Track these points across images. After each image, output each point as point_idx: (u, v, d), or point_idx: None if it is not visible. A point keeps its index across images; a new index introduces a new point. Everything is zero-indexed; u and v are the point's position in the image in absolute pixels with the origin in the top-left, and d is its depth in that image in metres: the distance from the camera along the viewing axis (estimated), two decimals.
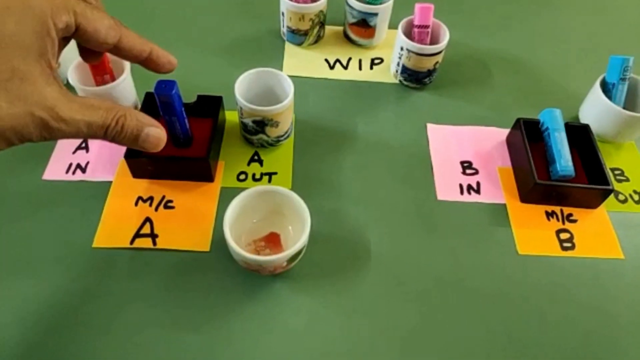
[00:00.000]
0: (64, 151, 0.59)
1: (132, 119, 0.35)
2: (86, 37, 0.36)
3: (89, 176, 0.57)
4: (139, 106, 0.61)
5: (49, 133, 0.32)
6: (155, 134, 0.37)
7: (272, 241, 0.52)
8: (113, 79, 0.57)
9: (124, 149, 0.55)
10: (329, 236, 0.54)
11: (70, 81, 0.55)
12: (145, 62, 0.41)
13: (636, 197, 0.61)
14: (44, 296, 0.48)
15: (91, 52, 0.40)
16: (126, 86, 0.58)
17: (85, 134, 0.34)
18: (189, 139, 0.57)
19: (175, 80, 0.48)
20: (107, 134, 0.34)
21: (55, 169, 0.58)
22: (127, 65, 0.57)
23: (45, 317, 0.47)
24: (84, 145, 0.60)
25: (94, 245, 0.52)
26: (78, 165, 0.58)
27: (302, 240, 0.46)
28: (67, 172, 0.57)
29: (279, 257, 0.45)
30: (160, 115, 0.52)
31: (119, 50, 0.39)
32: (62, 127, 0.32)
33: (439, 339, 0.48)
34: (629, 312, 0.51)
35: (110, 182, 0.57)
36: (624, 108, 0.62)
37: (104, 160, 0.59)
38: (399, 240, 0.55)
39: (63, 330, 0.46)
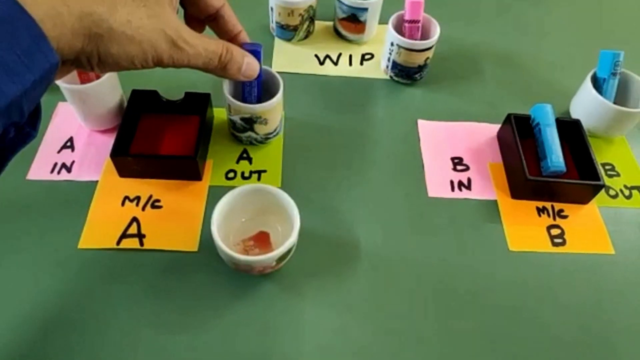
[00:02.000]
0: (48, 150, 0.58)
1: (237, 50, 0.43)
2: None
3: (74, 176, 0.56)
4: (125, 104, 0.60)
5: (176, 53, 0.37)
6: (254, 62, 0.46)
7: (261, 240, 0.51)
8: (98, 76, 0.56)
9: (109, 147, 0.54)
10: (319, 235, 0.54)
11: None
12: (233, 41, 0.47)
13: (627, 192, 0.61)
14: (29, 298, 0.47)
15: (195, 20, 0.46)
16: (111, 84, 0.57)
17: (203, 59, 0.40)
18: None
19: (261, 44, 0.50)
20: (221, 60, 0.41)
21: (40, 169, 0.56)
22: None
23: (30, 318, 0.46)
24: (69, 144, 0.59)
25: (80, 246, 0.51)
26: (63, 165, 0.57)
27: (292, 239, 0.46)
28: (52, 171, 0.56)
29: (268, 257, 0.45)
30: None
31: (218, 20, 0.45)
32: (187, 48, 0.37)
33: (430, 337, 0.48)
34: (620, 307, 0.51)
35: (96, 182, 0.56)
36: (614, 103, 0.62)
37: (90, 160, 0.58)
38: (389, 237, 0.54)
39: (48, 332, 0.46)
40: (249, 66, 0.45)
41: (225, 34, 0.47)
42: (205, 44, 0.39)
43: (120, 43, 0.33)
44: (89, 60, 0.34)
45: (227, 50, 0.41)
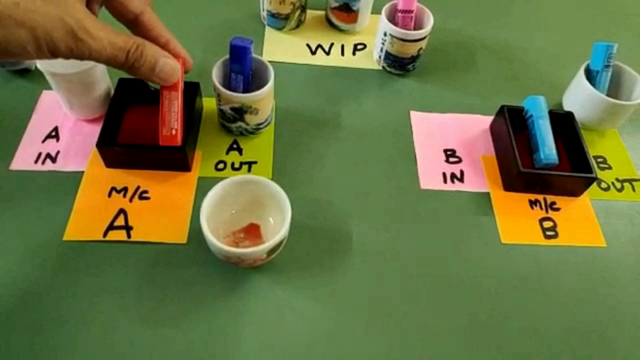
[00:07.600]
0: (32, 140, 0.57)
1: (150, 47, 0.39)
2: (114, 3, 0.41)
3: (59, 166, 0.55)
4: (112, 92, 0.58)
5: (75, 44, 0.34)
6: (171, 63, 0.41)
7: (252, 232, 0.50)
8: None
9: (95, 137, 0.53)
10: (311, 227, 0.53)
11: (39, 65, 0.52)
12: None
13: (618, 185, 0.61)
14: (14, 291, 0.46)
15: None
16: (98, 71, 0.55)
17: (108, 54, 0.37)
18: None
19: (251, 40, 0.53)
20: (128, 57, 0.38)
21: (24, 159, 0.55)
22: None
23: (15, 312, 0.45)
24: (54, 134, 0.57)
25: (65, 238, 0.50)
26: (48, 155, 0.55)
27: (283, 231, 0.45)
28: (36, 161, 0.55)
29: (259, 250, 0.44)
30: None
31: (137, 27, 0.42)
32: (88, 40, 0.35)
33: (423, 329, 0.48)
34: (611, 300, 0.51)
35: (82, 173, 0.54)
36: (607, 95, 0.61)
37: (75, 150, 0.56)
38: (381, 230, 0.54)
39: (34, 327, 0.44)
40: (165, 68, 0.41)
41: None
42: (112, 38, 0.36)
43: (6, 26, 0.32)
44: None
45: (137, 48, 0.38)
